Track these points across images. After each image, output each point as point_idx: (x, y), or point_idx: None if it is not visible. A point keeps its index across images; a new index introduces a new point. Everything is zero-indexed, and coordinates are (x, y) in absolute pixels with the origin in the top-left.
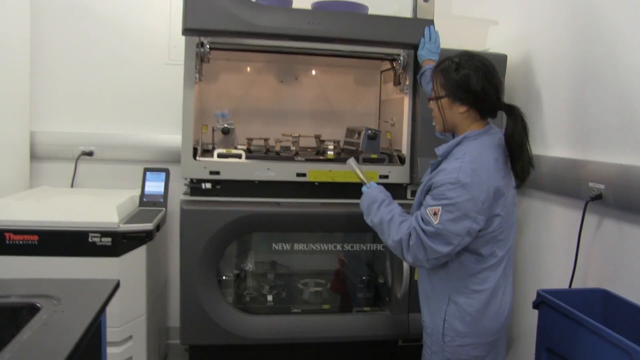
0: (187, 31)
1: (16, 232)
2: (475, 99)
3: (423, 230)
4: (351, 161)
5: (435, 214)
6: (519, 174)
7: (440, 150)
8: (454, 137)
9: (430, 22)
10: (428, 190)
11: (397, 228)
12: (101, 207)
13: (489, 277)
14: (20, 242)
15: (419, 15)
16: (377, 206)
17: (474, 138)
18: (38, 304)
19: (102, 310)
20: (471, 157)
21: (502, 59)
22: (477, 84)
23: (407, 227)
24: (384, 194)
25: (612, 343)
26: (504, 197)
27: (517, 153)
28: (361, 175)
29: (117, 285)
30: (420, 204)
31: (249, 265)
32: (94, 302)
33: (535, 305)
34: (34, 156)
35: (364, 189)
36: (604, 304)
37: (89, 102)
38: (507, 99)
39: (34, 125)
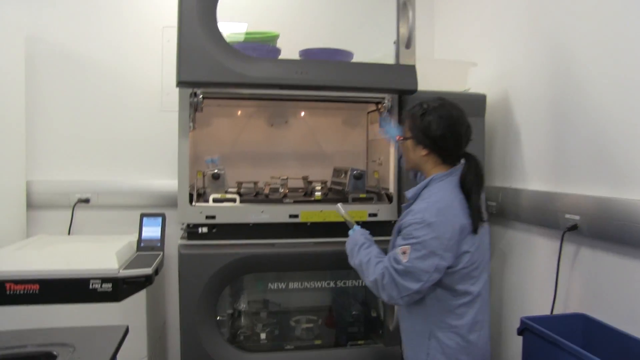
0: (181, 83)
1: (17, 282)
2: (434, 144)
3: (395, 269)
4: (339, 206)
5: (404, 252)
6: (472, 216)
7: (409, 193)
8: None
9: (412, 67)
10: (399, 232)
11: (373, 269)
12: (100, 253)
13: (466, 313)
14: (21, 292)
15: (401, 61)
16: (357, 249)
17: (439, 179)
18: (55, 352)
19: (115, 355)
20: (437, 198)
21: (482, 98)
22: (437, 131)
23: (381, 267)
24: (364, 237)
25: None
26: (471, 235)
27: (467, 198)
28: (348, 218)
29: (127, 331)
30: (394, 245)
31: (242, 305)
32: (107, 347)
33: (520, 332)
34: (31, 205)
35: (350, 232)
36: (584, 328)
37: (85, 150)
38: (487, 136)
39: (30, 174)
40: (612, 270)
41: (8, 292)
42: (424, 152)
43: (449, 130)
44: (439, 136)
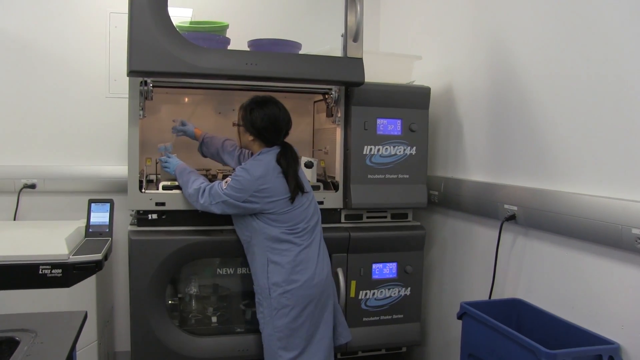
0: (132, 73)
1: None
2: (258, 133)
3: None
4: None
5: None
6: (291, 190)
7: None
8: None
9: (360, 60)
10: None
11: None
12: (49, 239)
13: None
14: None
15: (348, 54)
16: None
17: (266, 152)
18: (17, 338)
19: (77, 339)
20: (261, 158)
21: (426, 91)
22: (261, 124)
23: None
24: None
25: (522, 345)
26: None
27: (284, 171)
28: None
29: (86, 317)
30: None
31: (193, 289)
32: (69, 332)
33: (459, 316)
34: None
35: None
36: (518, 311)
37: (31, 135)
38: (431, 127)
39: None
40: (546, 258)
41: None
42: (250, 137)
43: (270, 124)
44: (262, 128)
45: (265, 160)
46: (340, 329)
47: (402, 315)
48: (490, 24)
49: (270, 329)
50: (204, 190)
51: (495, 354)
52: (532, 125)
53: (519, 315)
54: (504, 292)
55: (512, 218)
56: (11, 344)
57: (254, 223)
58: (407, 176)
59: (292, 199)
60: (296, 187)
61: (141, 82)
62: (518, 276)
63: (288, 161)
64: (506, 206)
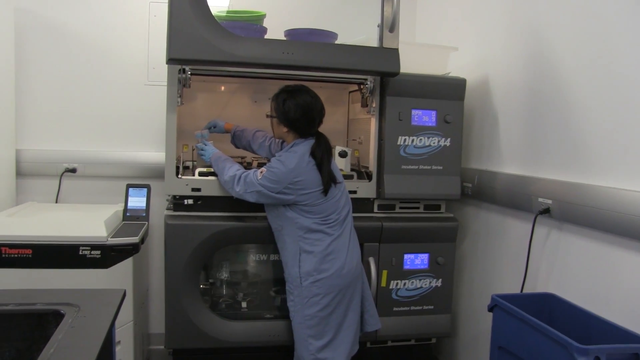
0: (171, 60)
1: (11, 246)
2: (292, 125)
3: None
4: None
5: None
6: (324, 182)
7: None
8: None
9: (395, 51)
10: None
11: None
12: (89, 221)
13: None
14: (16, 256)
15: (384, 45)
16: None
17: (300, 143)
18: (62, 311)
19: (117, 315)
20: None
21: (462, 82)
22: (295, 115)
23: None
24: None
25: (554, 340)
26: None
27: (318, 164)
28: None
29: (124, 295)
30: None
31: (224, 274)
32: (109, 308)
33: (490, 309)
34: (20, 173)
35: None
36: (551, 306)
37: (72, 120)
38: (466, 119)
39: (19, 143)
40: (580, 253)
41: (3, 256)
42: (285, 129)
43: (303, 114)
44: (295, 119)
45: (300, 151)
46: (367, 317)
47: (432, 307)
48: (527, 15)
49: (300, 317)
50: (240, 178)
51: (526, 348)
52: (568, 118)
53: (551, 310)
54: (536, 286)
55: (546, 211)
56: (57, 317)
57: (287, 213)
58: (441, 167)
59: (326, 192)
60: (329, 180)
61: (179, 70)
62: (551, 270)
63: (322, 153)
64: (540, 199)
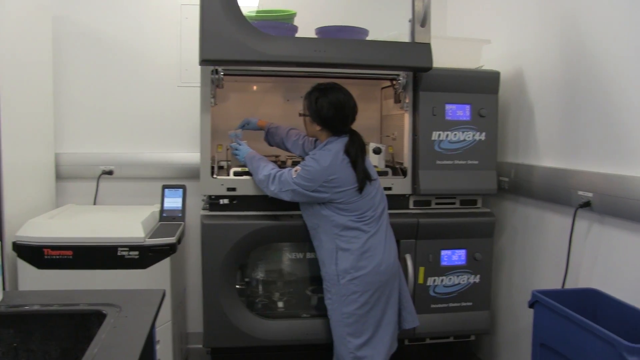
0: (204, 62)
1: (53, 247)
2: (325, 123)
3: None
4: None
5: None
6: (359, 180)
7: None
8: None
9: (428, 46)
10: None
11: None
12: (127, 223)
13: None
14: (57, 257)
15: (416, 40)
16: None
17: (334, 141)
18: (104, 311)
19: (157, 315)
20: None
21: (496, 75)
22: (328, 113)
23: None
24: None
25: (599, 337)
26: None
27: (352, 162)
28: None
29: (164, 295)
30: None
31: (260, 274)
32: (149, 308)
33: (531, 305)
34: (59, 176)
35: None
36: (594, 302)
37: (108, 124)
38: (500, 112)
39: (58, 147)
40: (624, 247)
41: (46, 257)
42: (318, 127)
43: (336, 112)
44: (328, 117)
45: (334, 150)
46: (405, 314)
47: (471, 303)
48: (562, 2)
49: (338, 315)
50: (274, 177)
51: (570, 345)
52: (607, 109)
53: (594, 306)
54: (577, 281)
55: (586, 205)
56: (99, 317)
57: (323, 211)
58: (477, 162)
59: (361, 189)
60: (364, 178)
61: (212, 70)
62: (593, 265)
63: (356, 151)
64: (580, 193)
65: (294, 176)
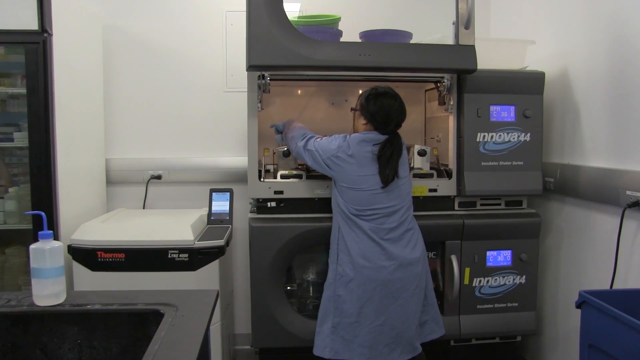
0: (251, 67)
1: (106, 250)
2: (370, 118)
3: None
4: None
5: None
6: (382, 177)
7: None
8: None
9: (472, 48)
10: None
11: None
12: (177, 226)
13: None
14: (110, 260)
15: (460, 42)
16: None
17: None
18: (161, 310)
19: (212, 314)
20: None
21: (540, 76)
22: (373, 109)
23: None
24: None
25: None
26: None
27: (382, 163)
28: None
29: (218, 295)
30: None
31: (311, 276)
32: (205, 308)
33: (578, 305)
34: (109, 181)
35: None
36: None
37: (156, 129)
38: (545, 113)
39: (108, 153)
40: None
41: (99, 260)
42: (363, 121)
43: (381, 110)
44: (374, 112)
45: (365, 138)
46: (432, 324)
47: (517, 304)
48: (608, 3)
49: (330, 292)
50: (304, 136)
51: (620, 346)
52: None
53: None
54: (626, 282)
55: (635, 205)
56: (157, 316)
57: (334, 190)
58: (522, 163)
59: (386, 183)
60: (393, 175)
61: (259, 75)
62: None
63: (392, 151)
64: (629, 192)
65: (318, 139)
